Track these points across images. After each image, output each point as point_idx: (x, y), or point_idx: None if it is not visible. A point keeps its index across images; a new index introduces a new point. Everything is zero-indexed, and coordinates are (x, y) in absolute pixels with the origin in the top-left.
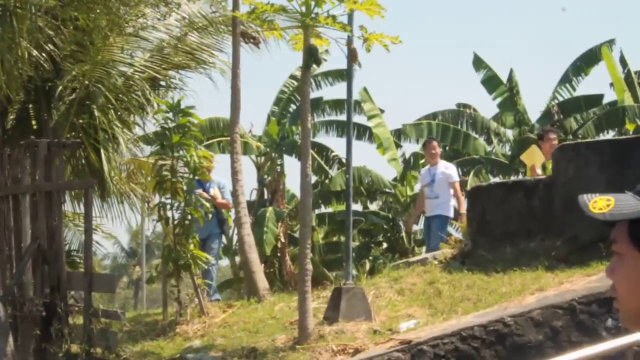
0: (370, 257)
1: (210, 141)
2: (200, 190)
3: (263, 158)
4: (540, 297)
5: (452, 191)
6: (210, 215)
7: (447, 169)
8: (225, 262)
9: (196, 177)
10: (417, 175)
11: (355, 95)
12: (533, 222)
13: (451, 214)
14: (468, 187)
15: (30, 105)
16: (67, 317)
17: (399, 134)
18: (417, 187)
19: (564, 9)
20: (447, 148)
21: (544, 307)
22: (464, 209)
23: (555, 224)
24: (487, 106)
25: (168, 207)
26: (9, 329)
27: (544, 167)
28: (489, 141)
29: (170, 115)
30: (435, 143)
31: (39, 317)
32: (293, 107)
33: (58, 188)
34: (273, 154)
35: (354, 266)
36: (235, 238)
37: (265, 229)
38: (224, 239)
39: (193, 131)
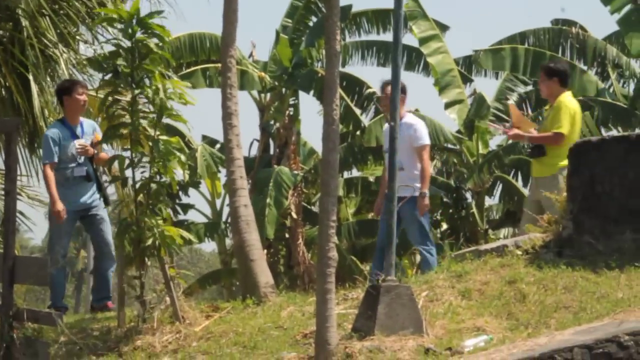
0: None
1: (191, 68)
2: (81, 141)
3: (269, 95)
4: None
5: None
6: (186, 175)
7: (413, 127)
8: (210, 245)
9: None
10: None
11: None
12: None
13: None
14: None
15: None
16: None
17: (469, 64)
18: (492, 143)
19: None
20: None
21: None
22: (427, 187)
23: None
24: (600, 24)
25: (126, 163)
26: None
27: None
28: (603, 76)
29: (124, 27)
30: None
31: None
32: (314, 20)
33: None
34: (283, 90)
35: (399, 256)
36: (225, 211)
37: (268, 200)
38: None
39: (161, 52)
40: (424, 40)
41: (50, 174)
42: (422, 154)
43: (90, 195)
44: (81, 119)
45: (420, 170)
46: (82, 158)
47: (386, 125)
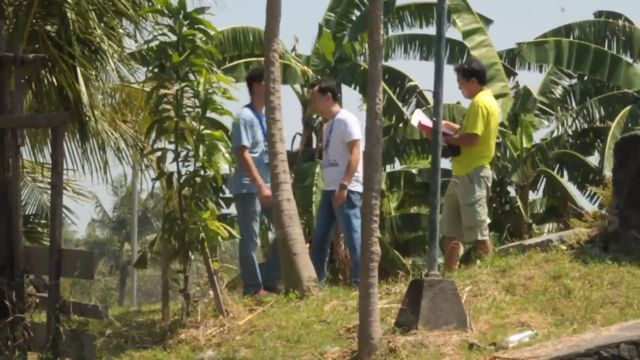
0: None
1: (234, 62)
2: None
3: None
4: None
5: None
6: (232, 169)
7: (344, 122)
8: None
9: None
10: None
11: None
12: None
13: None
14: (612, 136)
15: None
16: (23, 313)
17: (512, 58)
18: (537, 137)
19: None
20: (586, 78)
21: None
22: (348, 180)
23: None
24: None
25: (171, 157)
26: None
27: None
28: None
29: (171, 22)
30: (317, 87)
31: None
32: (357, 13)
33: (14, 124)
34: None
35: (442, 250)
36: None
37: (314, 190)
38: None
39: (206, 46)
40: (467, 34)
41: (249, 157)
42: (352, 148)
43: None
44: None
45: (348, 164)
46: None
47: (325, 124)
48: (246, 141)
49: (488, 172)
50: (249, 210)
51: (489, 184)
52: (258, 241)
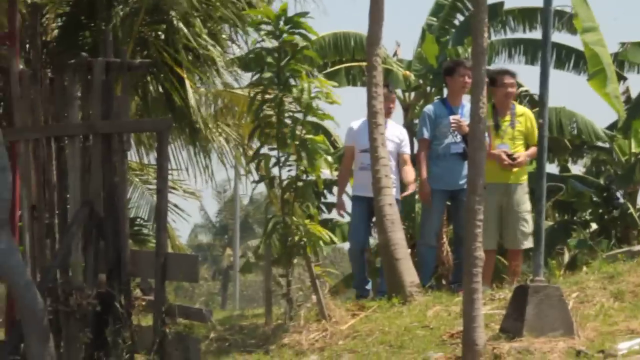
0: (572, 244)
1: (335, 67)
2: (457, 117)
3: (414, 94)
4: None
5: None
6: (332, 173)
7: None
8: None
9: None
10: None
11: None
12: None
13: None
14: None
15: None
16: (130, 316)
17: (621, 62)
18: None
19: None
20: None
21: None
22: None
23: None
24: None
25: (273, 161)
26: (49, 330)
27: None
28: None
29: (271, 28)
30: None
31: (91, 314)
32: (460, 18)
33: (120, 129)
34: (428, 88)
35: (547, 256)
36: None
37: (416, 197)
38: None
39: (307, 51)
40: (585, 31)
41: (421, 153)
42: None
43: (463, 177)
44: (465, 102)
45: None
46: (458, 136)
47: (359, 123)
48: (424, 134)
49: None
50: (425, 205)
51: None
52: (433, 241)
